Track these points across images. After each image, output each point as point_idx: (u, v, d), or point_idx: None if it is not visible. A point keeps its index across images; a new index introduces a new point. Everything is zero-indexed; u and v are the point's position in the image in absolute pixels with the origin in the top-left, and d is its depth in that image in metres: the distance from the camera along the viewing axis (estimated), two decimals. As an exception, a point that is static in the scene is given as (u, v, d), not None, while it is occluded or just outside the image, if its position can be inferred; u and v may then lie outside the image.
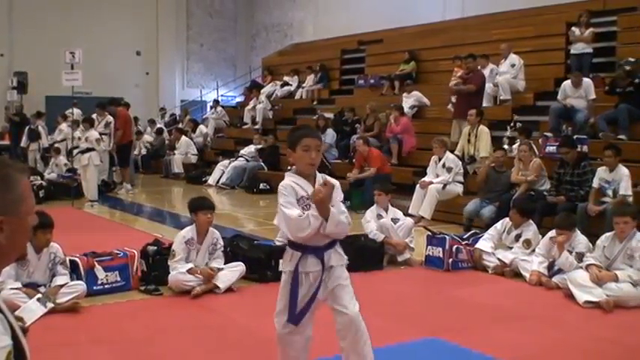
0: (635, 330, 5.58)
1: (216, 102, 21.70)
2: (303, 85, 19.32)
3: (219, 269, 6.38)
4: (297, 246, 3.72)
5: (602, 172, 8.53)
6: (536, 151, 10.10)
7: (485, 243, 7.50)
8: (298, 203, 3.65)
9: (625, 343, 5.16)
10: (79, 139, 13.17)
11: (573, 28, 12.68)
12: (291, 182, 3.70)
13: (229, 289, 6.36)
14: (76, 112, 14.05)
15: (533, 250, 7.20)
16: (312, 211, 3.58)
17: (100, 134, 13.12)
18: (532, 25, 14.40)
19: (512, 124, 11.54)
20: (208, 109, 23.09)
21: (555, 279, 6.70)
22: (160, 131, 19.82)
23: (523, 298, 6.53)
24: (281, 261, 6.69)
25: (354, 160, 12.83)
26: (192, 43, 26.60)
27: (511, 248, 7.44)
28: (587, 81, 11.10)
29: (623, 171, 8.41)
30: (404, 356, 4.74)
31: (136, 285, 6.43)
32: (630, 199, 8.17)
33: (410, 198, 10.60)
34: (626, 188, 8.33)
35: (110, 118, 13.83)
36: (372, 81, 17.40)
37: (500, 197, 9.45)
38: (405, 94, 14.80)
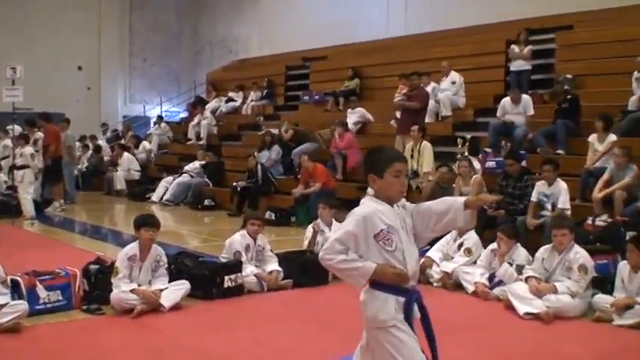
0: (574, 340, 5.74)
1: (159, 118, 21.50)
2: (249, 100, 19.30)
3: (163, 289, 6.32)
4: None
5: (540, 186, 8.74)
6: (476, 166, 10.29)
7: (434, 253, 7.66)
8: (377, 237, 3.16)
9: (564, 352, 5.30)
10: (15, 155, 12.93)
11: (512, 46, 13.03)
12: (375, 210, 3.22)
13: (174, 307, 6.30)
14: (17, 129, 13.77)
15: (474, 262, 7.36)
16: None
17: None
18: (472, 44, 14.75)
19: (462, 140, 11.70)
20: (152, 124, 22.86)
21: (496, 291, 6.86)
22: (97, 149, 19.49)
23: (466, 310, 6.64)
24: (244, 279, 6.71)
25: (299, 176, 12.87)
26: (134, 58, 26.35)
27: (453, 258, 7.58)
28: (525, 97, 11.40)
29: (562, 185, 8.64)
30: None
31: (78, 304, 6.31)
32: (568, 212, 8.39)
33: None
34: (564, 202, 8.55)
35: (39, 135, 13.64)
36: (316, 97, 17.52)
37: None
38: (349, 110, 14.96)
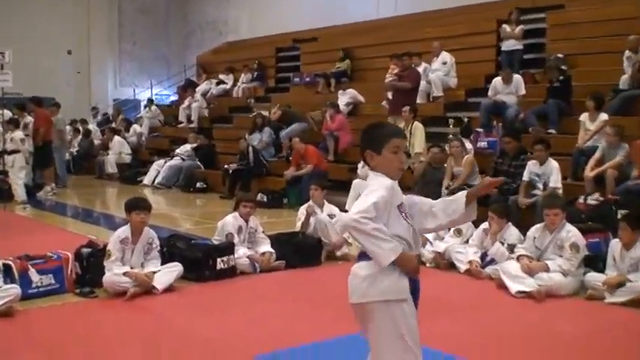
0: (566, 318, 5.77)
1: (150, 101, 21.39)
2: (239, 83, 19.23)
3: (155, 272, 6.31)
4: None
5: (532, 165, 8.75)
6: (467, 146, 10.30)
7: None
8: (400, 208, 3.08)
9: (557, 330, 5.32)
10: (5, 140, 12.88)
11: (504, 26, 13.00)
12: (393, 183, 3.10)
13: (167, 289, 6.30)
14: (6, 114, 13.70)
15: (466, 240, 7.40)
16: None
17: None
18: (463, 23, 14.69)
19: (455, 121, 11.68)
20: (142, 108, 22.75)
21: (488, 270, 6.88)
22: (87, 133, 19.39)
23: (458, 289, 6.66)
24: (237, 260, 6.70)
25: (290, 158, 12.85)
26: (124, 42, 26.15)
27: (443, 238, 7.60)
28: (517, 77, 11.39)
29: (553, 164, 8.65)
30: (341, 349, 4.77)
31: (70, 287, 6.31)
32: (560, 191, 8.41)
33: (346, 194, 10.66)
34: (555, 181, 8.57)
35: (29, 119, 13.57)
36: (307, 79, 17.46)
37: (435, 192, 9.59)
38: (340, 92, 14.93)
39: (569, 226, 6.51)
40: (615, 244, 6.31)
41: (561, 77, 10.92)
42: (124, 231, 6.35)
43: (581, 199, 8.21)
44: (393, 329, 2.95)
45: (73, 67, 24.68)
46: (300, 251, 7.46)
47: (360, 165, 11.12)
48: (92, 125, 20.43)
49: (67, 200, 13.52)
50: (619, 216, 7.07)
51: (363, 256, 3.07)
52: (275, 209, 11.78)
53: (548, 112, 10.68)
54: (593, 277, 6.26)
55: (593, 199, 8.14)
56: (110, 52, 25.74)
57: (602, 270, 6.33)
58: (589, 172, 8.74)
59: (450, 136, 10.75)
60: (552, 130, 10.45)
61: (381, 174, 3.09)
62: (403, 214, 3.07)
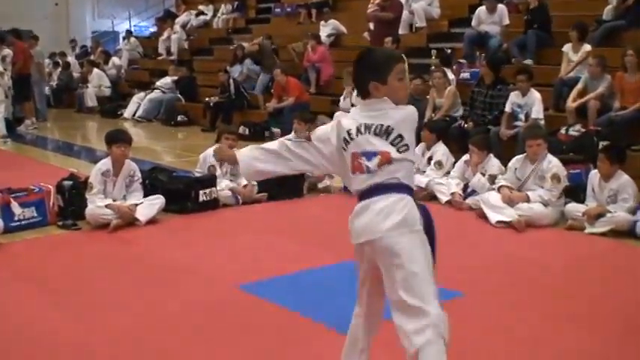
0: (546, 247, 5.86)
1: (129, 33, 21.00)
2: (219, 14, 18.89)
3: (138, 204, 6.31)
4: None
5: (514, 96, 8.73)
6: (450, 77, 10.24)
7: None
8: None
9: (536, 260, 5.40)
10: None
11: (488, -46, 12.75)
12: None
13: (150, 221, 6.32)
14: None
15: (447, 173, 7.44)
16: None
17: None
18: (447, -48, 14.40)
19: (437, 52, 11.57)
20: (121, 40, 22.34)
21: (469, 200, 6.95)
22: (66, 65, 19.07)
23: (439, 219, 6.65)
24: (219, 192, 6.68)
25: (272, 90, 12.75)
26: (102, -28, 25.52)
27: (424, 172, 7.63)
28: (501, 7, 11.26)
29: (535, 95, 8.62)
30: (324, 278, 4.83)
31: (53, 220, 6.32)
32: (542, 122, 8.42)
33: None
34: (538, 112, 8.56)
35: (7, 52, 13.27)
36: (288, 9, 17.16)
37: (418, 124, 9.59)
38: (322, 23, 14.70)
39: (550, 157, 6.55)
40: (594, 176, 6.36)
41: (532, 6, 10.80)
42: (105, 164, 6.32)
43: (562, 130, 8.23)
44: (422, 255, 2.76)
45: (51, -2, 24.10)
46: (282, 183, 7.46)
47: (342, 97, 11.07)
48: (71, 58, 20.09)
49: (47, 134, 13.42)
50: (600, 147, 7.11)
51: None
52: (257, 142, 11.65)
53: (526, 42, 10.62)
54: (574, 208, 6.33)
55: (575, 130, 8.16)
56: (88, -17, 25.14)
57: (582, 201, 6.40)
58: (571, 103, 8.74)
59: (432, 67, 10.68)
60: (529, 61, 10.39)
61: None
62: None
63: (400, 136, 2.75)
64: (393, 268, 2.70)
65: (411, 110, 2.82)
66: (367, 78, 2.79)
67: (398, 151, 2.74)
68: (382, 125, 2.75)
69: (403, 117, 2.78)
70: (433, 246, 2.88)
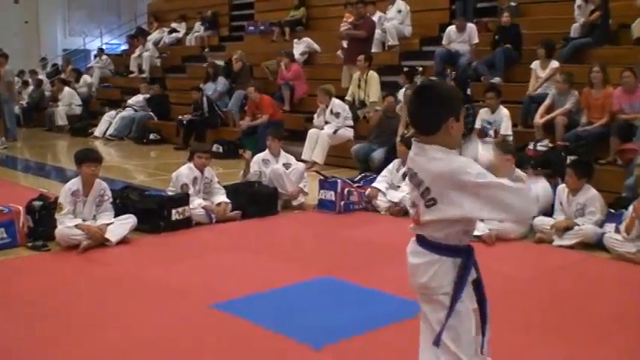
0: (515, 261, 5.95)
1: (100, 50, 20.93)
2: (192, 31, 18.89)
3: (109, 224, 6.27)
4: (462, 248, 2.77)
5: (483, 113, 8.86)
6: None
7: (380, 183, 7.76)
8: None
9: (505, 273, 5.45)
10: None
11: (457, -26, 12.96)
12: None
13: (121, 241, 6.27)
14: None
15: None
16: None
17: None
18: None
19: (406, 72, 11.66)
20: (92, 58, 22.26)
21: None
22: (39, 83, 18.94)
23: (409, 235, 6.75)
24: (192, 211, 6.68)
25: (245, 108, 12.76)
26: (73, -11, 25.44)
27: (399, 187, 7.68)
28: (470, 26, 11.44)
29: (504, 112, 8.78)
30: (297, 295, 4.84)
31: (22, 241, 6.22)
32: (511, 138, 8.55)
33: (302, 144, 10.68)
34: (506, 128, 8.71)
35: None
36: (262, 27, 17.21)
37: (390, 141, 9.66)
38: (295, 41, 14.79)
39: (518, 172, 6.63)
40: (562, 190, 6.47)
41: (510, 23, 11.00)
42: (75, 183, 6.25)
43: (530, 146, 8.36)
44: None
45: (21, 16, 23.95)
46: (256, 201, 7.48)
47: (316, 114, 11.11)
48: (42, 76, 19.96)
49: (17, 154, 13.26)
50: (568, 161, 7.23)
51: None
52: (231, 160, 11.71)
53: (495, 60, 10.78)
54: (542, 221, 6.42)
55: (543, 145, 8.29)
56: (58, 1, 24.97)
57: (551, 214, 6.50)
58: (539, 119, 8.88)
59: (405, 85, 10.78)
60: (497, 79, 10.54)
61: (444, 147, 2.56)
62: None
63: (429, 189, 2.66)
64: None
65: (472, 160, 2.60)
66: (448, 113, 2.54)
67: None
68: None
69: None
70: (484, 316, 2.73)
